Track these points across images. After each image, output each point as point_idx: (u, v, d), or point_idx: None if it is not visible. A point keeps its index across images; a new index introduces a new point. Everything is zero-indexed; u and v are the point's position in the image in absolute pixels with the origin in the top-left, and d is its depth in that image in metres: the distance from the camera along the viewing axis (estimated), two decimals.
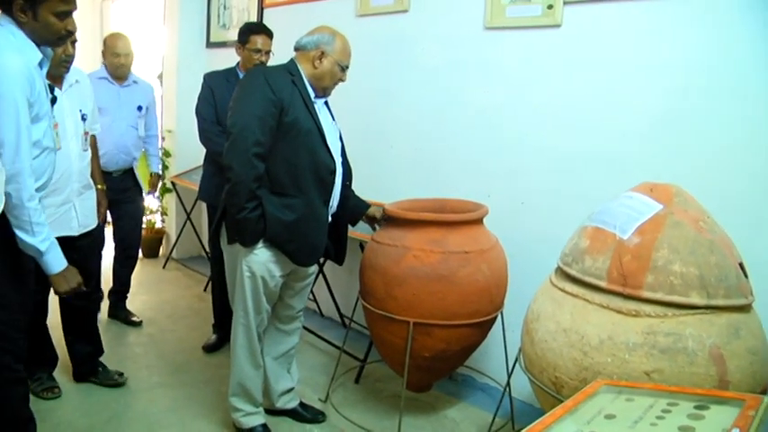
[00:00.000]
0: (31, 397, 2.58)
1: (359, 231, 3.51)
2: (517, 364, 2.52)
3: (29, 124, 2.22)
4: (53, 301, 3.15)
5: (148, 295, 5.00)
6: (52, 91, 2.46)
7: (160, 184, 5.08)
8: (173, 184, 5.67)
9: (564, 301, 2.22)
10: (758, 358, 1.99)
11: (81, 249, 3.10)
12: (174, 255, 6.00)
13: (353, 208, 3.06)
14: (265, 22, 4.78)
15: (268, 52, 3.71)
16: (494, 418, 3.01)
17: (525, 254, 3.19)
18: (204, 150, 3.87)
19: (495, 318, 3.02)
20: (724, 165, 2.66)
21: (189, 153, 5.50)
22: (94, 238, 3.31)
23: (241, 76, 3.70)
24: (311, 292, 3.17)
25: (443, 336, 2.88)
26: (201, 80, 3.83)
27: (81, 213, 3.12)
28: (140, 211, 4.56)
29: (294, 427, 3.13)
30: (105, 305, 4.40)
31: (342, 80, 2.81)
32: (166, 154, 5.72)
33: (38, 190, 2.29)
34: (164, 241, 6.25)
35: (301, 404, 3.21)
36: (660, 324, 1.97)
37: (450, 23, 3.62)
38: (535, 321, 2.32)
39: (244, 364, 2.90)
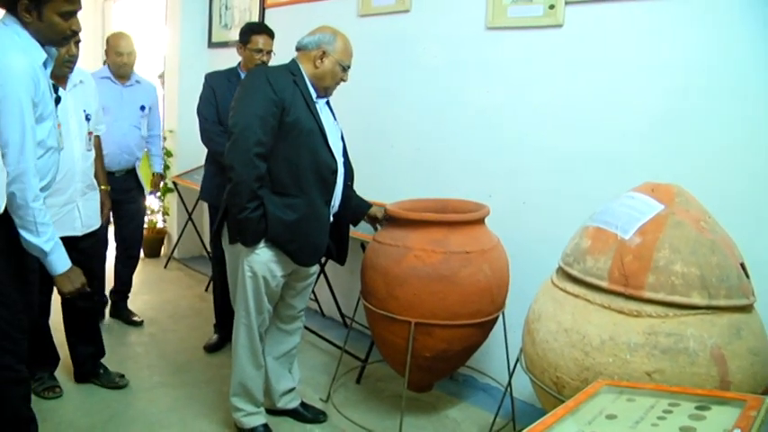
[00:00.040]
0: (33, 397, 2.58)
1: (360, 231, 3.51)
2: (518, 365, 2.52)
3: (33, 124, 2.23)
4: (55, 301, 3.15)
5: (150, 295, 5.00)
6: (56, 91, 2.46)
7: (162, 184, 5.07)
8: (174, 183, 5.67)
9: (565, 301, 2.22)
10: (759, 359, 1.98)
11: (85, 250, 3.10)
12: (175, 255, 6.00)
13: (355, 208, 3.06)
14: (267, 22, 4.78)
15: (269, 52, 3.71)
16: (495, 419, 3.01)
17: (527, 254, 3.19)
18: (206, 150, 3.87)
19: (497, 318, 3.02)
20: (725, 165, 2.65)
21: (190, 153, 5.50)
22: (98, 239, 3.31)
23: (242, 76, 3.70)
24: (312, 291, 3.17)
25: (445, 336, 2.88)
26: (203, 80, 3.83)
27: (84, 214, 3.12)
28: (142, 211, 4.57)
29: (295, 427, 3.12)
30: (106, 305, 4.41)
31: (343, 80, 2.82)
32: (168, 154, 5.72)
33: (42, 190, 2.30)
34: (165, 241, 6.26)
35: (302, 404, 3.21)
36: (661, 324, 1.97)
37: (451, 23, 3.62)
38: (536, 321, 2.32)
39: (245, 364, 2.90)
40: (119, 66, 4.15)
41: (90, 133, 3.15)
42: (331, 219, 2.89)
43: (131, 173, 4.22)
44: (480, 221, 3.00)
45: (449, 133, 3.67)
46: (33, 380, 3.10)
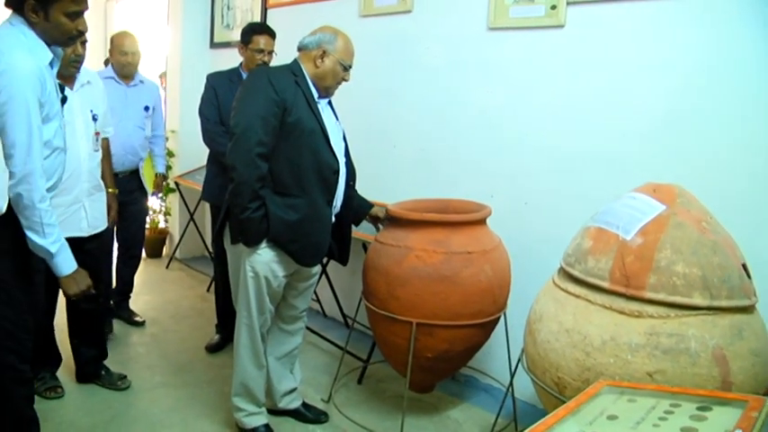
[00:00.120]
0: (35, 397, 2.59)
1: (362, 231, 3.51)
2: (520, 365, 2.52)
3: (40, 125, 2.22)
4: (59, 301, 3.15)
5: (151, 295, 5.00)
6: (62, 91, 2.46)
7: (164, 185, 5.07)
8: (176, 184, 5.67)
9: (566, 301, 2.22)
10: (761, 359, 1.98)
11: (91, 252, 3.10)
12: (177, 255, 6.01)
13: (357, 208, 3.06)
14: (269, 22, 4.79)
15: (271, 52, 3.71)
16: (496, 419, 3.01)
17: (528, 254, 3.19)
18: (207, 150, 3.87)
19: (498, 318, 3.02)
20: (726, 165, 2.65)
21: (192, 153, 5.50)
22: (104, 241, 3.31)
23: (244, 76, 3.70)
24: (314, 292, 3.17)
25: (446, 336, 2.87)
26: (205, 80, 3.84)
27: (91, 214, 3.12)
28: (144, 211, 4.56)
29: (297, 428, 3.12)
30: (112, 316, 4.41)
31: (345, 80, 2.82)
32: (170, 154, 5.72)
33: (48, 190, 2.29)
34: (167, 241, 6.27)
35: (304, 404, 3.21)
36: (663, 325, 1.97)
37: (453, 24, 3.62)
38: (538, 322, 2.32)
39: (247, 365, 2.90)
40: (123, 65, 4.13)
41: (97, 133, 3.15)
42: (333, 219, 2.89)
43: (135, 174, 4.21)
44: (482, 222, 3.00)
45: (450, 133, 3.67)
46: (35, 379, 3.11)
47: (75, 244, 2.76)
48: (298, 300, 3.03)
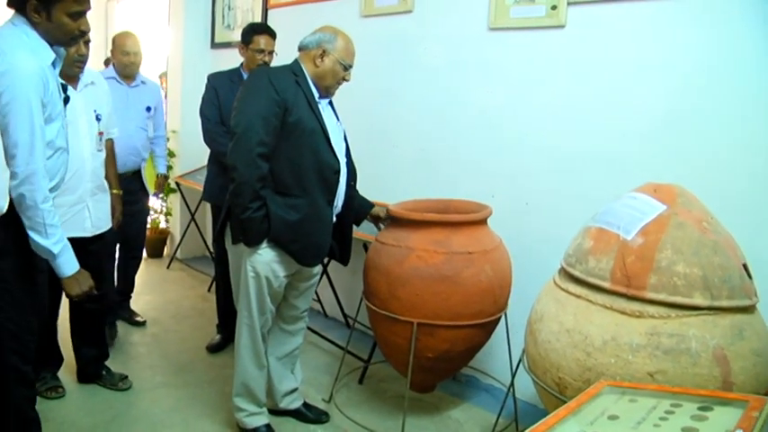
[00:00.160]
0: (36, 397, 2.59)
1: (362, 232, 3.51)
2: (521, 365, 2.52)
3: (42, 125, 2.22)
4: (62, 301, 3.15)
5: (152, 295, 5.01)
6: (65, 90, 2.46)
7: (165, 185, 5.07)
8: (177, 184, 5.67)
9: (567, 301, 2.22)
10: (762, 359, 1.98)
11: (94, 253, 3.10)
12: (178, 255, 6.01)
13: (358, 208, 3.06)
14: (270, 22, 4.80)
15: (271, 52, 3.72)
16: (497, 419, 3.01)
17: (529, 254, 3.19)
18: (208, 151, 3.88)
19: (499, 318, 3.02)
20: (726, 165, 2.65)
21: (193, 153, 5.51)
22: (107, 242, 3.31)
23: (245, 76, 3.70)
24: (315, 292, 3.17)
25: (447, 336, 2.88)
26: (206, 81, 3.84)
27: (94, 215, 3.12)
28: (146, 212, 4.56)
29: (298, 428, 3.13)
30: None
31: (345, 79, 2.81)
32: (171, 154, 5.71)
33: (50, 190, 2.29)
34: (168, 241, 6.27)
35: (305, 404, 3.21)
36: (663, 325, 1.97)
37: (454, 24, 3.62)
38: (538, 322, 2.32)
39: (248, 365, 2.90)
40: (125, 65, 4.11)
41: (100, 133, 3.14)
42: (334, 219, 2.89)
43: (137, 174, 4.20)
44: (482, 222, 3.00)
45: (451, 133, 3.67)
46: (36, 379, 3.10)
47: (79, 244, 2.76)
48: (299, 300, 3.03)
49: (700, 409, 1.64)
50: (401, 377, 3.16)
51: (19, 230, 2.25)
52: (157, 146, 4.52)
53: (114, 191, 3.44)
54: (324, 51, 2.72)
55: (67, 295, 2.48)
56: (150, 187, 4.49)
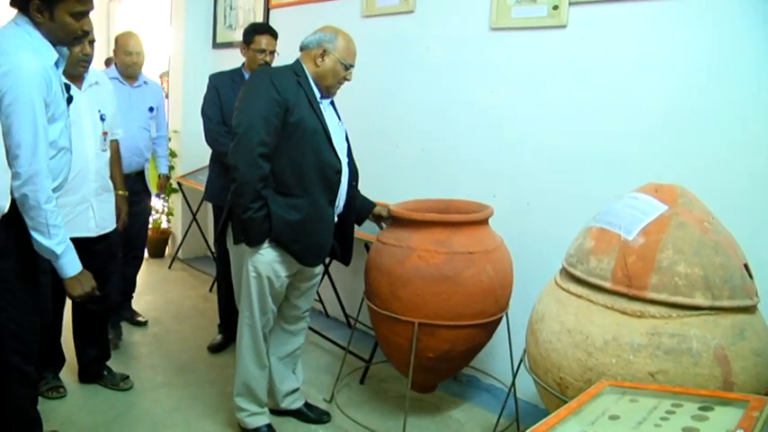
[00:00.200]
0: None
1: (364, 232, 3.51)
2: (522, 365, 2.52)
3: (46, 125, 2.22)
4: (67, 302, 3.16)
5: (154, 295, 5.01)
6: (68, 90, 2.46)
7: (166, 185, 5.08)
8: (179, 184, 5.68)
9: (568, 301, 2.22)
10: (763, 360, 1.98)
11: (98, 253, 3.10)
12: (179, 255, 6.02)
13: (360, 207, 3.06)
14: (271, 22, 4.80)
15: (272, 52, 3.72)
16: (498, 419, 3.01)
17: (530, 254, 3.19)
18: (210, 151, 3.88)
19: (500, 318, 3.02)
20: (727, 165, 2.65)
21: (195, 153, 5.52)
22: (112, 242, 3.31)
23: (246, 76, 3.70)
24: (317, 292, 3.17)
25: (448, 336, 2.88)
26: (207, 81, 3.84)
27: (99, 215, 3.12)
28: (147, 212, 4.56)
29: (299, 428, 3.13)
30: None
31: (347, 79, 2.81)
32: (172, 154, 5.71)
33: (54, 190, 2.29)
34: (169, 241, 6.27)
35: (306, 404, 3.21)
36: (664, 325, 1.97)
37: (455, 24, 3.62)
38: (540, 322, 2.32)
39: (249, 365, 2.90)
40: (127, 66, 4.11)
41: (105, 133, 3.14)
42: (335, 219, 2.89)
43: (140, 175, 4.19)
44: (484, 222, 3.00)
45: (452, 133, 3.67)
46: (39, 380, 3.10)
47: (84, 245, 2.76)
48: (300, 300, 3.03)
49: (700, 409, 1.63)
50: (402, 377, 3.16)
51: (21, 230, 2.25)
52: (159, 146, 4.51)
53: (120, 192, 3.45)
54: (324, 51, 2.72)
55: (70, 296, 2.48)
56: (152, 188, 4.50)
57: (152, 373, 3.65)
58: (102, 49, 6.84)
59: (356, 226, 3.11)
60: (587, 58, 3.06)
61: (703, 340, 1.93)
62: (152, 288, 5.18)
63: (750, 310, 2.06)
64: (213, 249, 5.35)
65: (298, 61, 2.78)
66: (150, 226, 5.17)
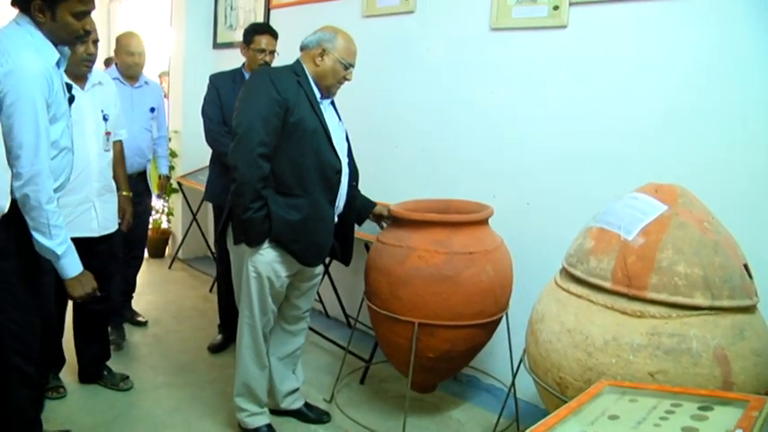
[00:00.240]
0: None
1: (364, 232, 3.52)
2: (522, 365, 2.52)
3: (47, 125, 2.22)
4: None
5: (154, 295, 5.01)
6: (70, 90, 2.46)
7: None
8: (179, 184, 5.68)
9: (568, 301, 2.22)
10: (763, 359, 1.98)
11: (100, 254, 3.10)
12: (179, 255, 6.02)
13: (360, 207, 3.06)
14: (272, 23, 4.80)
15: (272, 52, 3.71)
16: (498, 419, 3.02)
17: (530, 254, 3.19)
18: (210, 151, 3.88)
19: (500, 318, 3.02)
20: (727, 165, 2.65)
21: (195, 153, 5.51)
22: (114, 243, 3.31)
23: (247, 76, 3.71)
24: (317, 292, 3.17)
25: (448, 336, 2.88)
26: (208, 81, 3.84)
27: (101, 215, 3.12)
28: (148, 212, 4.56)
29: (299, 428, 3.13)
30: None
31: (347, 79, 2.81)
32: (173, 154, 5.71)
33: (55, 190, 2.28)
34: (170, 241, 6.27)
35: (306, 404, 3.21)
36: (664, 325, 1.97)
37: (455, 24, 3.62)
38: (540, 322, 2.32)
39: (249, 365, 2.90)
40: (129, 66, 4.10)
41: (108, 133, 3.14)
42: (336, 219, 2.89)
43: (142, 176, 4.19)
44: (484, 222, 3.00)
45: (452, 134, 3.68)
46: (42, 381, 3.11)
47: (86, 245, 2.76)
48: (301, 300, 3.03)
49: (700, 408, 1.64)
50: (402, 377, 3.16)
51: (21, 231, 2.25)
52: (159, 146, 4.51)
53: (124, 193, 3.45)
54: (323, 50, 2.72)
55: (70, 297, 2.48)
56: (153, 188, 4.50)
57: (152, 373, 3.65)
58: (102, 50, 6.81)
59: (356, 226, 3.11)
60: (587, 59, 3.06)
61: (703, 340, 1.93)
62: (152, 288, 5.18)
63: (750, 309, 2.06)
64: (213, 249, 5.35)
65: (298, 61, 2.79)
66: (150, 226, 5.18)
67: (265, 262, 2.73)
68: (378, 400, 3.43)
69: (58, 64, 2.29)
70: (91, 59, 3.05)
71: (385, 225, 3.14)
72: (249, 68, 3.74)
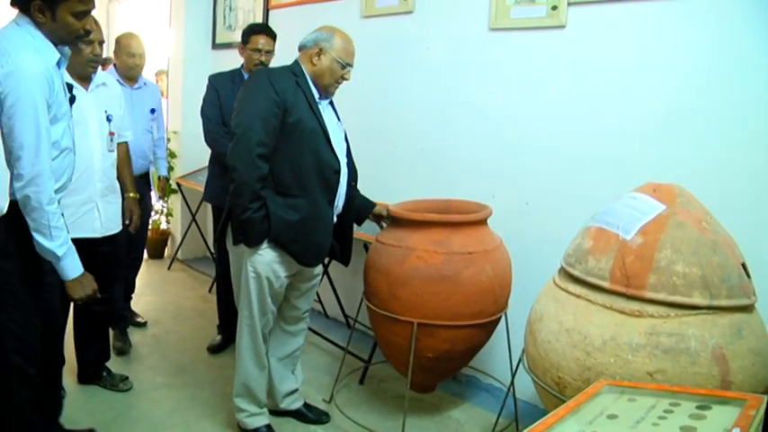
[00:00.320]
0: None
1: (363, 232, 3.52)
2: (521, 365, 2.52)
3: (48, 126, 2.21)
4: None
5: (153, 296, 5.01)
6: (70, 90, 2.45)
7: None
8: (178, 185, 5.68)
9: (567, 301, 2.22)
10: (760, 359, 1.98)
11: (104, 255, 3.10)
12: (179, 256, 6.02)
13: (359, 207, 3.07)
14: (271, 23, 4.81)
15: (269, 52, 3.71)
16: (497, 419, 3.02)
17: (529, 254, 3.20)
18: (209, 151, 3.88)
19: (499, 318, 3.02)
20: (726, 165, 2.66)
21: (194, 154, 5.52)
22: (117, 244, 3.30)
23: (246, 77, 3.70)
24: (316, 292, 3.17)
25: (447, 336, 2.88)
26: (207, 81, 3.84)
27: (104, 216, 3.11)
28: (148, 213, 4.55)
29: (298, 428, 3.13)
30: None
31: (345, 78, 2.80)
32: (172, 155, 5.72)
33: (57, 191, 2.28)
34: (169, 242, 6.27)
35: (305, 405, 3.21)
36: (663, 324, 1.97)
37: (454, 24, 3.62)
38: (538, 322, 2.32)
39: (248, 365, 2.90)
40: (130, 67, 4.08)
41: (111, 133, 3.13)
42: (335, 219, 2.89)
43: (144, 177, 4.18)
44: (483, 222, 3.00)
45: (451, 134, 3.68)
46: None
47: (89, 246, 2.76)
48: (300, 300, 3.03)
49: (698, 407, 1.64)
50: (401, 377, 3.17)
51: (22, 231, 2.24)
52: (158, 147, 4.49)
53: (131, 194, 3.45)
54: (321, 50, 2.72)
55: (70, 298, 2.47)
56: (155, 190, 4.49)
57: (151, 373, 3.65)
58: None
59: (355, 226, 3.11)
60: (586, 59, 3.07)
61: (701, 339, 1.94)
62: (151, 289, 5.18)
63: (748, 309, 2.06)
64: (212, 250, 5.36)
65: (296, 62, 2.79)
66: (149, 227, 5.18)
67: (264, 262, 2.73)
68: (377, 401, 3.44)
69: (58, 64, 2.28)
70: (97, 61, 3.05)
71: (384, 225, 3.14)
72: (246, 68, 3.75)
